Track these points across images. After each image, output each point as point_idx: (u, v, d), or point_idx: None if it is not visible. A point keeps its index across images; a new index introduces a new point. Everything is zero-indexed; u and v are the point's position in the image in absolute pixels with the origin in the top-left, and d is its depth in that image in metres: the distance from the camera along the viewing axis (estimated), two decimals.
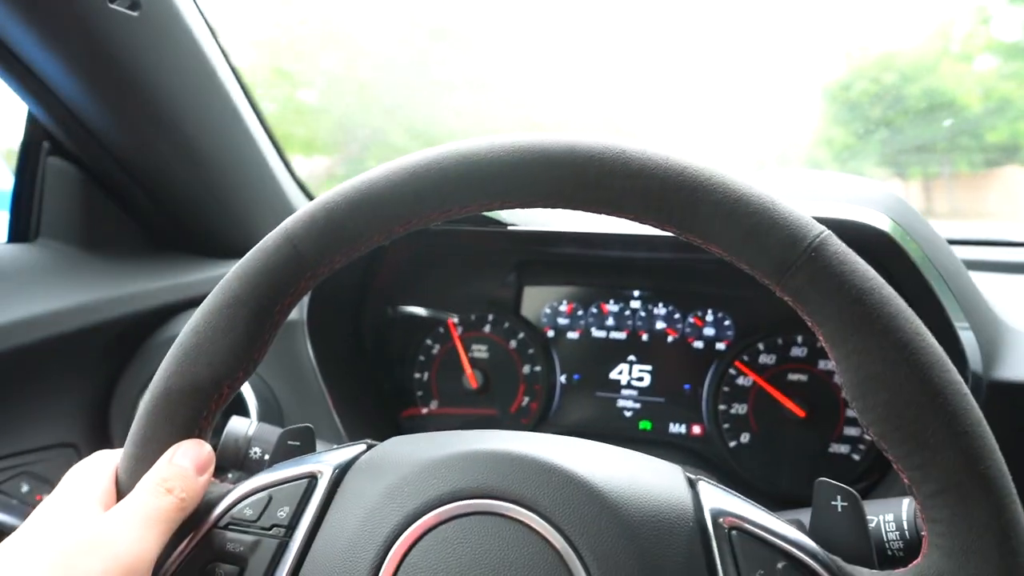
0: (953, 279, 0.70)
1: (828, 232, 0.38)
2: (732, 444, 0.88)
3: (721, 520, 0.40)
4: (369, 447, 0.49)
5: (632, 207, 0.41)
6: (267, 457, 0.68)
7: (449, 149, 0.43)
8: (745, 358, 0.88)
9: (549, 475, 0.42)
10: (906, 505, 0.53)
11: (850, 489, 0.43)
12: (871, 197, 0.73)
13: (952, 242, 1.05)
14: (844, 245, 0.38)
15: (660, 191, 0.40)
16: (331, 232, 0.44)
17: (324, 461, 0.46)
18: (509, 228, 0.86)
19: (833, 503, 0.43)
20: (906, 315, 0.37)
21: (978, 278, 0.77)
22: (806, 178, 0.81)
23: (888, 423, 0.36)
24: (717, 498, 0.42)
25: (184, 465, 0.44)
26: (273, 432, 0.70)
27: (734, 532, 0.40)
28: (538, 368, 0.96)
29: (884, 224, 0.68)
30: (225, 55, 0.92)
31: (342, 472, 0.46)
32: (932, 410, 0.35)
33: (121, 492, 0.45)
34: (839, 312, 0.37)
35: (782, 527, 0.40)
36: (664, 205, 0.40)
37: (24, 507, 0.86)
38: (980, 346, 0.68)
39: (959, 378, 0.36)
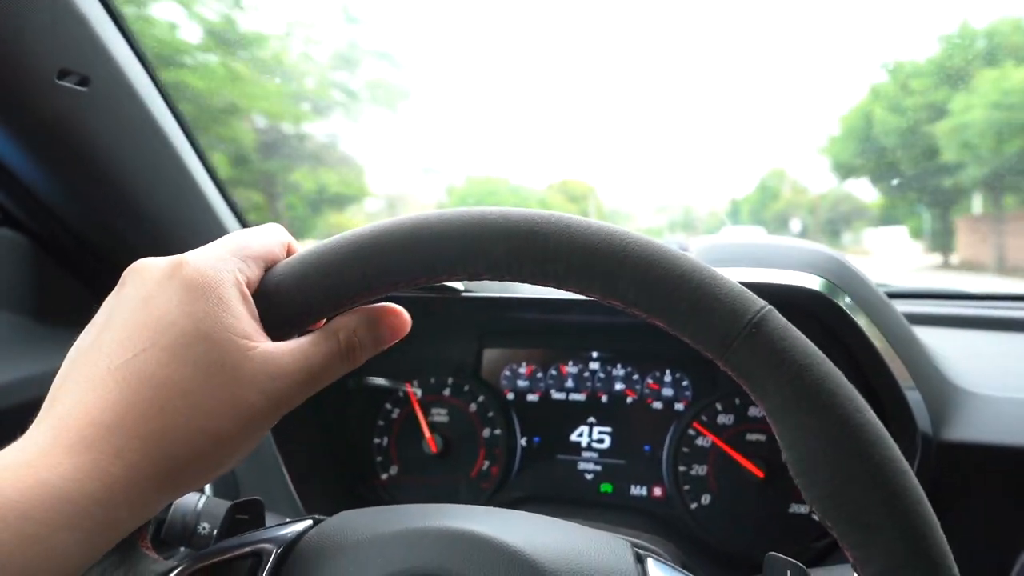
0: (896, 338, 0.71)
1: (769, 307, 0.39)
2: (693, 506, 0.87)
3: None
4: (316, 522, 0.48)
5: (577, 281, 0.42)
6: (216, 533, 0.67)
7: (397, 221, 0.44)
8: (703, 419, 0.88)
9: (495, 553, 0.41)
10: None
11: (799, 564, 0.43)
12: (807, 260, 0.74)
13: (895, 295, 1.07)
14: (785, 320, 0.39)
15: (604, 266, 0.40)
16: (280, 304, 0.44)
17: (269, 539, 0.46)
18: (467, 295, 0.86)
19: None
20: (846, 392, 0.37)
21: (923, 333, 0.78)
22: (749, 244, 0.82)
23: (830, 501, 0.36)
24: (664, 575, 0.42)
25: None
26: (222, 507, 0.68)
27: None
28: (498, 431, 0.95)
29: (821, 288, 0.69)
30: (180, 120, 0.92)
31: (287, 549, 0.45)
32: (872, 489, 0.35)
33: None
34: (779, 388, 0.37)
35: None
36: (608, 279, 0.41)
37: None
38: (928, 407, 0.69)
39: (900, 455, 0.37)
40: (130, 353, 0.36)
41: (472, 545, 0.42)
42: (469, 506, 0.46)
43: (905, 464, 0.36)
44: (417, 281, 0.44)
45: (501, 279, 0.43)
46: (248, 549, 0.45)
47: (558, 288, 0.43)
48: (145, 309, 0.38)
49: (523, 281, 0.43)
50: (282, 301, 0.44)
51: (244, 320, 0.39)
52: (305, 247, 0.46)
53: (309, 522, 0.48)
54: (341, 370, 0.43)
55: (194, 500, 0.70)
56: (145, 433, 0.34)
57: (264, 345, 0.39)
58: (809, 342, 0.38)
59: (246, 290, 0.41)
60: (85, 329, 0.40)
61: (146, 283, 0.39)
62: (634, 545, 0.46)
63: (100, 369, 0.36)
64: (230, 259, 0.41)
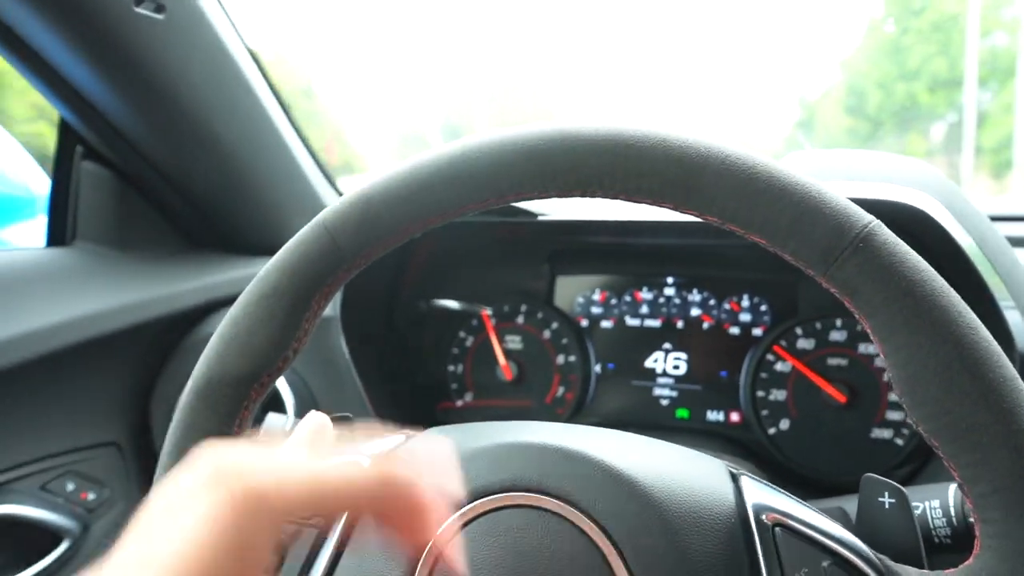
0: (998, 259, 0.68)
1: (877, 221, 0.37)
2: (771, 431, 0.86)
3: (764, 516, 0.40)
4: (408, 438, 0.49)
5: (673, 196, 0.40)
6: None
7: (484, 139, 0.43)
8: (783, 343, 0.86)
9: (591, 469, 0.41)
10: (952, 492, 0.52)
11: (897, 485, 0.42)
12: (914, 177, 0.71)
13: (996, 218, 1.02)
14: (893, 235, 0.37)
15: (702, 180, 0.39)
16: (367, 223, 0.44)
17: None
18: (540, 218, 0.85)
19: (880, 499, 0.42)
20: (959, 308, 0.35)
21: (1022, 255, 0.75)
22: (848, 158, 0.79)
23: (939, 420, 0.35)
24: (760, 494, 0.41)
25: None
26: None
27: (777, 529, 0.39)
28: (572, 358, 0.95)
29: (928, 205, 0.67)
30: (251, 53, 0.93)
31: None
32: (985, 407, 0.34)
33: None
34: (888, 305, 0.36)
35: (827, 524, 0.39)
36: (706, 194, 0.39)
37: (69, 505, 0.87)
38: None
39: (1015, 373, 0.35)
40: None
41: (567, 460, 0.42)
42: (562, 424, 0.46)
43: (1020, 383, 0.35)
44: (505, 199, 0.44)
45: (592, 196, 0.42)
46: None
47: (652, 204, 0.41)
48: None
49: (615, 198, 0.42)
50: (370, 219, 0.44)
51: None
52: (396, 165, 0.45)
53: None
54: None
55: (281, 422, 0.73)
56: None
57: None
58: (919, 258, 0.37)
59: None
60: None
61: None
62: (728, 465, 0.45)
63: None
64: None
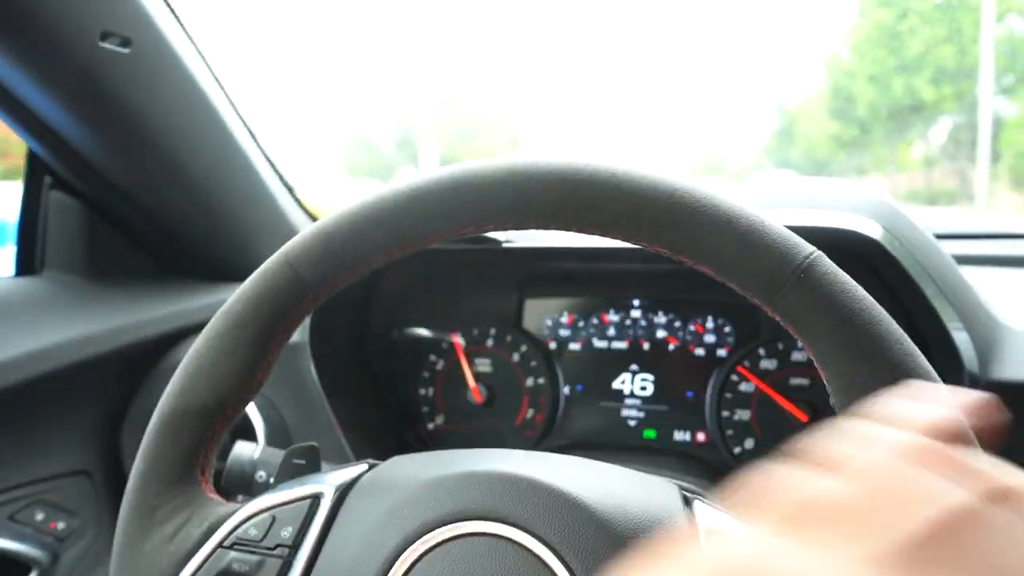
0: (944, 280, 0.70)
1: (818, 252, 0.39)
2: (736, 450, 0.88)
3: None
4: (371, 467, 0.50)
5: (623, 229, 0.42)
6: (272, 480, 0.69)
7: (444, 172, 0.44)
8: (746, 364, 0.88)
9: (545, 496, 0.42)
10: None
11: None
12: (859, 203, 0.73)
13: (944, 236, 1.05)
14: (833, 265, 0.39)
15: (651, 213, 0.41)
16: (330, 255, 0.45)
17: (327, 481, 0.47)
18: (507, 245, 0.86)
19: None
20: (896, 335, 0.37)
21: (971, 273, 0.77)
22: (794, 185, 0.82)
23: None
24: (712, 518, 0.43)
25: None
26: (278, 456, 0.71)
27: None
28: (541, 380, 0.96)
29: (874, 232, 0.69)
30: (218, 81, 0.93)
31: (344, 492, 0.47)
32: None
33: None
34: (828, 333, 0.37)
35: None
36: (655, 227, 0.41)
37: (39, 535, 0.87)
38: (975, 346, 0.69)
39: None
40: None
41: (523, 488, 0.43)
42: (520, 451, 0.47)
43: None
44: (464, 231, 0.45)
45: (546, 228, 0.44)
46: (307, 492, 0.47)
47: (605, 237, 0.43)
48: None
49: (570, 230, 0.43)
50: (332, 251, 0.45)
51: None
52: (357, 197, 0.46)
53: (364, 466, 0.49)
54: None
55: (250, 450, 0.73)
56: None
57: None
58: (858, 287, 0.38)
59: None
60: None
61: None
62: (682, 488, 0.46)
63: None
64: None
